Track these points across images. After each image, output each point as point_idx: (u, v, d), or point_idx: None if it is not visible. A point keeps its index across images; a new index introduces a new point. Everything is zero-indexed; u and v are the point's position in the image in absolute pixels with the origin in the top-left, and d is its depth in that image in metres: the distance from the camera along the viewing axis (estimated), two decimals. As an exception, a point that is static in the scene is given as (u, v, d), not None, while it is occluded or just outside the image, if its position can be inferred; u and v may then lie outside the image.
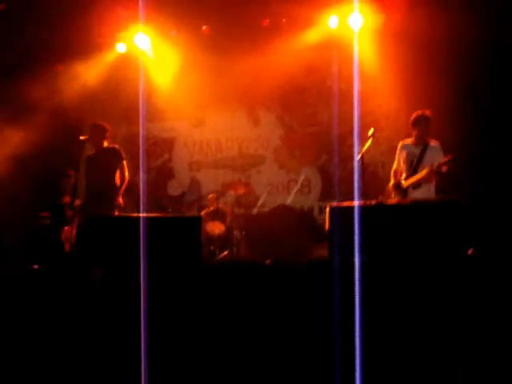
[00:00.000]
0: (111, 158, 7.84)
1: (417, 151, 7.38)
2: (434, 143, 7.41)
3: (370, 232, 4.84)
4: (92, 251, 5.28)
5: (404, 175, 7.43)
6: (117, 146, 8.02)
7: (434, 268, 4.70)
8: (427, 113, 7.41)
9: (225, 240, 10.03)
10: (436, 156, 7.24)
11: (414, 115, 7.49)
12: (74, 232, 7.06)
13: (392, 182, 7.58)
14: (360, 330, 4.19)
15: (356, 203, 5.15)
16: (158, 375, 4.47)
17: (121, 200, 7.77)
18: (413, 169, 7.35)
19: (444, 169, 7.03)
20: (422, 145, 7.38)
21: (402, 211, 5.35)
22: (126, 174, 7.88)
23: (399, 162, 7.53)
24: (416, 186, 7.26)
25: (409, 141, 7.54)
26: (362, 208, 5.00)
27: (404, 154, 7.46)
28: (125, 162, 7.90)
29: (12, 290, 4.97)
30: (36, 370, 4.66)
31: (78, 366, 4.64)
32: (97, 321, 4.72)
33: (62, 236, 8.23)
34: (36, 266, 5.49)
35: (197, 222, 5.66)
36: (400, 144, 7.60)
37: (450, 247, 4.91)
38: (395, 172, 7.59)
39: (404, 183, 7.38)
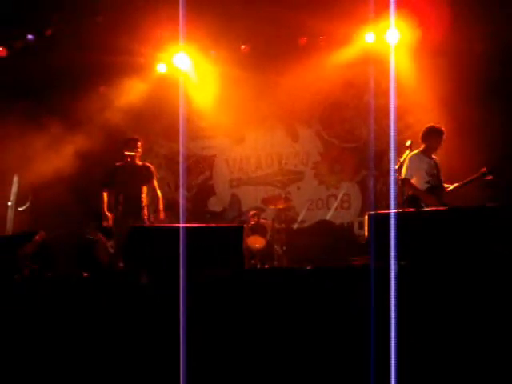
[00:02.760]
0: (145, 174, 8.12)
1: (432, 163, 7.47)
2: (436, 156, 7.57)
3: (407, 238, 4.92)
4: (139, 259, 5.45)
5: (424, 185, 7.34)
6: (149, 164, 8.34)
7: (471, 272, 4.73)
8: (440, 126, 7.54)
9: (266, 254, 10.10)
10: (441, 169, 7.50)
11: (427, 127, 7.56)
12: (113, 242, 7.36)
13: (422, 188, 7.34)
14: (395, 333, 4.24)
15: (393, 210, 5.21)
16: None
17: (148, 214, 8.04)
18: (438, 179, 7.43)
19: (489, 177, 7.14)
20: (432, 158, 7.50)
21: (442, 217, 5.41)
22: (159, 192, 8.20)
23: (417, 171, 7.33)
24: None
25: (420, 152, 7.46)
26: (400, 215, 5.09)
27: (425, 164, 7.39)
28: (155, 182, 8.26)
29: (64, 295, 5.17)
30: (88, 369, 4.83)
31: (127, 361, 4.81)
32: (142, 323, 4.88)
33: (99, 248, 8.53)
34: (86, 274, 5.70)
35: (239, 232, 5.79)
36: (412, 156, 7.30)
37: (488, 252, 4.95)
38: (408, 181, 7.22)
39: (451, 187, 7.47)
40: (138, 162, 8.25)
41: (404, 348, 4.31)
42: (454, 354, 4.53)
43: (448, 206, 7.22)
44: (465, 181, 7.41)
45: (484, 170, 7.26)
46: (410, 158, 7.22)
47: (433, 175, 7.42)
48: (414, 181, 7.30)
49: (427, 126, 7.63)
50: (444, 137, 7.54)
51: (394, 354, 4.27)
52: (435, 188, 7.40)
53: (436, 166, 7.51)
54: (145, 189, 8.15)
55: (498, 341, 4.58)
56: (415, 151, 7.35)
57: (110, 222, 7.89)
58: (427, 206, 7.05)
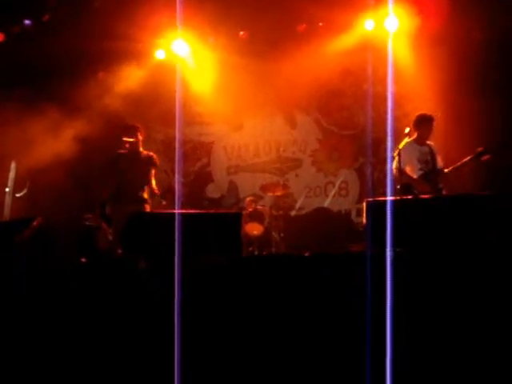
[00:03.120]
0: (146, 162, 8.05)
1: (426, 149, 7.64)
2: (432, 143, 7.75)
3: (404, 225, 4.95)
4: (138, 245, 5.48)
5: (418, 172, 7.53)
6: (152, 153, 8.25)
7: (466, 260, 4.75)
8: (430, 113, 7.71)
9: (263, 241, 10.13)
10: (438, 154, 7.68)
11: (418, 115, 7.73)
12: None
13: (415, 175, 7.52)
14: (391, 320, 4.27)
15: (390, 198, 5.23)
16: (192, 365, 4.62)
17: (148, 199, 8.01)
18: (432, 165, 7.58)
19: (485, 157, 7.22)
20: (426, 144, 7.67)
21: (440, 204, 5.43)
22: (153, 182, 8.03)
23: (409, 160, 7.50)
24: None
25: (412, 140, 7.63)
26: (397, 202, 5.12)
27: (417, 152, 7.60)
28: (154, 171, 8.08)
29: (63, 281, 5.20)
30: (87, 354, 4.86)
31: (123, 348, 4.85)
32: (139, 309, 4.91)
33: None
34: (84, 260, 5.72)
35: (237, 218, 5.82)
36: (405, 144, 7.45)
37: (483, 240, 4.97)
38: (401, 170, 7.29)
39: (447, 170, 7.55)
40: (142, 150, 8.16)
41: (400, 335, 4.33)
42: (450, 341, 4.55)
43: (442, 190, 7.42)
44: (462, 161, 7.47)
45: (480, 149, 7.35)
46: (403, 148, 7.34)
47: (426, 162, 7.58)
48: (408, 169, 7.46)
49: (418, 114, 7.79)
50: (434, 123, 7.69)
51: (389, 342, 4.29)
52: (429, 174, 7.55)
53: (431, 152, 7.65)
54: (146, 176, 8.04)
55: (493, 329, 4.60)
56: (408, 140, 7.51)
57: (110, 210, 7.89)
58: (420, 193, 7.11)
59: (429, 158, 7.59)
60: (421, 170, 7.53)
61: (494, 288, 4.70)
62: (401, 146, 7.18)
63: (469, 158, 7.41)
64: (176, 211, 5.61)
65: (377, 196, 9.42)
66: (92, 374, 4.92)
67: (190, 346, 4.74)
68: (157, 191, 7.99)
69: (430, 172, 7.55)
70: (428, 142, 7.70)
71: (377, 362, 4.36)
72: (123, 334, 4.97)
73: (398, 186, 7.29)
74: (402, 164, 7.20)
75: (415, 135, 7.66)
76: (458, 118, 9.16)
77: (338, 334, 4.70)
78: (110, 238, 8.33)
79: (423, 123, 7.66)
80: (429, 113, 7.77)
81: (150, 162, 8.06)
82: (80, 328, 5.04)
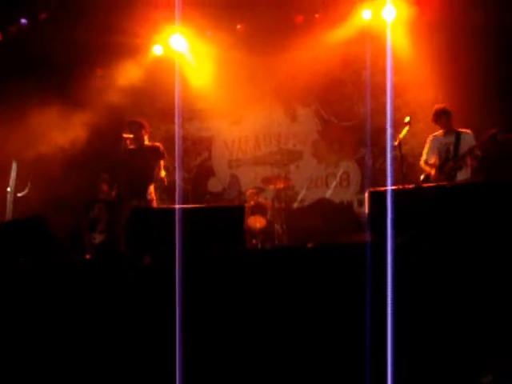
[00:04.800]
0: (151, 155, 8.00)
1: (450, 140, 7.76)
2: (466, 131, 7.80)
3: (405, 214, 4.95)
4: (142, 241, 5.48)
5: (437, 163, 7.77)
6: (158, 144, 8.21)
7: (466, 249, 4.73)
8: (444, 106, 7.94)
9: (266, 234, 10.14)
10: (471, 143, 7.66)
11: (434, 111, 7.93)
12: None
13: (432, 169, 7.77)
14: (392, 310, 4.26)
15: (390, 187, 5.21)
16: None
17: (153, 195, 7.97)
18: (452, 155, 7.68)
19: (501, 137, 7.38)
20: (454, 133, 7.77)
21: (441, 193, 5.43)
22: (162, 173, 8.02)
23: (432, 152, 7.87)
24: (458, 167, 7.60)
25: (438, 133, 7.93)
26: (398, 191, 5.13)
27: (437, 143, 7.84)
28: (162, 162, 8.05)
29: (68, 277, 5.21)
30: (94, 348, 4.88)
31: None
32: (143, 303, 4.93)
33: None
34: (88, 256, 5.73)
35: (240, 211, 5.83)
36: (430, 137, 7.99)
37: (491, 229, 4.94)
38: (426, 162, 7.94)
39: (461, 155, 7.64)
40: (147, 144, 8.12)
41: (402, 326, 4.31)
42: (452, 330, 4.53)
43: (454, 177, 7.55)
44: (476, 144, 7.57)
45: (494, 130, 7.41)
46: (429, 140, 7.92)
47: (447, 151, 7.72)
48: (431, 161, 7.84)
49: (434, 109, 7.96)
50: (451, 114, 7.85)
51: (391, 333, 4.27)
52: (444, 164, 7.70)
53: (457, 140, 7.71)
54: (151, 171, 7.96)
55: (502, 322, 4.55)
56: (435, 133, 7.92)
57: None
58: (435, 182, 7.45)
59: (451, 147, 7.72)
60: (440, 160, 7.75)
61: (492, 282, 4.66)
62: (402, 135, 7.21)
63: (482, 140, 7.48)
64: (177, 206, 5.58)
65: (380, 186, 9.42)
66: (96, 369, 4.94)
67: (194, 340, 4.75)
68: (165, 183, 8.00)
69: (446, 161, 7.70)
70: (460, 130, 7.78)
71: (379, 354, 4.34)
72: (127, 329, 4.97)
73: (422, 177, 7.85)
74: (427, 155, 7.85)
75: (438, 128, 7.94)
76: (459, 105, 9.12)
77: (343, 325, 4.69)
78: (94, 241, 8.34)
79: (439, 116, 7.86)
80: (443, 106, 7.97)
81: (156, 153, 7.99)
82: (85, 324, 5.05)
